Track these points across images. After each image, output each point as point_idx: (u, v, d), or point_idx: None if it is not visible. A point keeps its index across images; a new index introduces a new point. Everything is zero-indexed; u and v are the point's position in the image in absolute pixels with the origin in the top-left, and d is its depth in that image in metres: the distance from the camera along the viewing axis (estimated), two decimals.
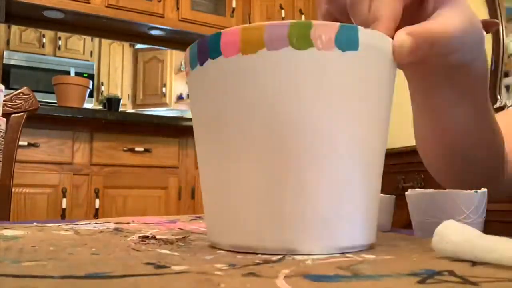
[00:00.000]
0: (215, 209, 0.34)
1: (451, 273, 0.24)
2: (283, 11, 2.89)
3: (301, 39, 0.30)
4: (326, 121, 0.30)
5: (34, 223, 0.51)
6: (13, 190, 0.98)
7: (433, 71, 0.42)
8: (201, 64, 0.33)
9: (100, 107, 2.98)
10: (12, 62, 3.28)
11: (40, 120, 1.90)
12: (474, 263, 0.26)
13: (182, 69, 4.37)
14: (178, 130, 2.28)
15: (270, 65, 0.30)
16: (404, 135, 2.21)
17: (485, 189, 0.42)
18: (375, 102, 0.33)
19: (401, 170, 1.98)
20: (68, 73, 3.46)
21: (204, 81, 0.33)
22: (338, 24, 0.30)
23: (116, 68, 4.06)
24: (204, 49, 0.32)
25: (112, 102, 2.59)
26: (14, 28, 3.29)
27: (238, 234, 0.32)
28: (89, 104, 2.98)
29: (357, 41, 0.31)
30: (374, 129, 0.33)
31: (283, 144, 0.30)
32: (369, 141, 0.32)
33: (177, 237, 0.40)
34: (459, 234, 0.27)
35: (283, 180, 0.30)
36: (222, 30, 0.32)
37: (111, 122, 2.11)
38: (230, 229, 0.32)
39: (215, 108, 0.32)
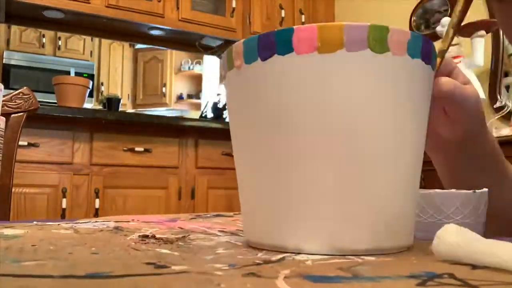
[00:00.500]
0: (250, 209, 0.35)
1: (451, 276, 0.23)
2: (283, 11, 2.89)
3: (379, 43, 0.30)
4: (388, 127, 0.31)
5: (34, 222, 0.51)
6: (13, 190, 0.98)
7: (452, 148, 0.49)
8: (264, 60, 0.31)
9: (100, 107, 2.98)
10: (12, 62, 3.28)
11: (40, 120, 1.90)
12: (474, 266, 0.26)
13: (182, 69, 4.37)
14: (178, 130, 2.28)
15: (349, 66, 0.30)
16: None
17: (485, 189, 0.42)
18: (425, 107, 0.34)
19: None
20: (68, 73, 3.46)
21: (267, 77, 0.32)
22: (409, 31, 0.32)
23: (116, 68, 4.06)
24: (269, 44, 0.31)
25: (112, 102, 2.59)
26: (14, 28, 3.29)
27: (271, 233, 0.32)
28: (89, 104, 2.97)
29: (420, 48, 0.32)
30: (421, 134, 0.34)
31: (350, 149, 0.31)
32: (416, 147, 0.34)
33: (177, 236, 0.40)
34: (459, 237, 0.27)
35: (323, 183, 0.31)
36: (294, 26, 0.31)
37: (111, 122, 2.11)
38: (263, 228, 0.33)
39: (280, 107, 0.31)
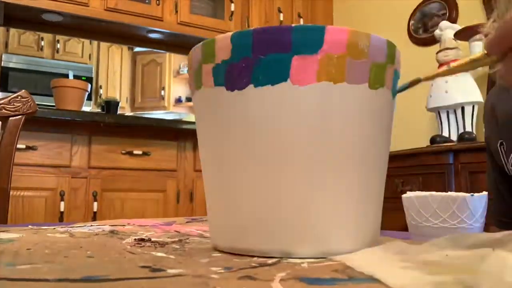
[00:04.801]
0: (217, 213, 0.35)
1: None
2: (281, 14, 2.89)
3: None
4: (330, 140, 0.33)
5: (29, 226, 0.51)
6: (11, 193, 0.98)
7: None
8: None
9: (98, 110, 2.98)
10: (11, 65, 3.28)
11: (38, 123, 1.90)
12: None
13: (181, 72, 4.37)
14: (177, 133, 2.28)
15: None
16: (404, 139, 2.21)
17: (485, 193, 0.41)
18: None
19: (400, 173, 1.98)
20: (67, 76, 3.46)
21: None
22: None
23: (114, 71, 4.05)
24: None
25: (110, 105, 2.59)
26: (13, 31, 3.29)
27: (237, 237, 0.32)
28: (87, 107, 2.97)
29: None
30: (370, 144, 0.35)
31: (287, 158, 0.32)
32: (367, 154, 0.34)
33: (173, 239, 0.40)
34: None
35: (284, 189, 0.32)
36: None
37: (109, 125, 2.11)
38: (229, 231, 0.33)
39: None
